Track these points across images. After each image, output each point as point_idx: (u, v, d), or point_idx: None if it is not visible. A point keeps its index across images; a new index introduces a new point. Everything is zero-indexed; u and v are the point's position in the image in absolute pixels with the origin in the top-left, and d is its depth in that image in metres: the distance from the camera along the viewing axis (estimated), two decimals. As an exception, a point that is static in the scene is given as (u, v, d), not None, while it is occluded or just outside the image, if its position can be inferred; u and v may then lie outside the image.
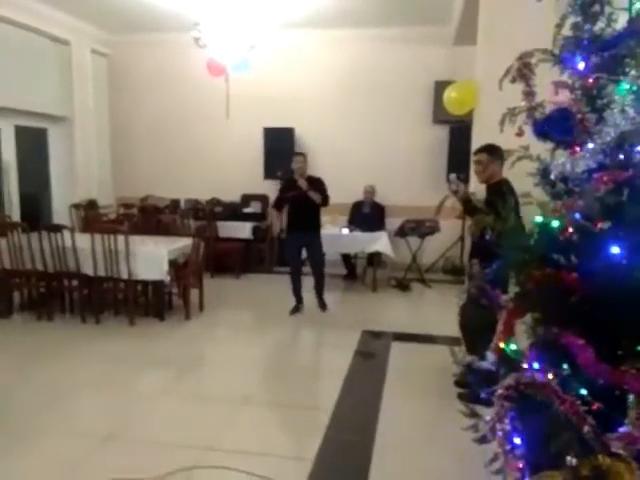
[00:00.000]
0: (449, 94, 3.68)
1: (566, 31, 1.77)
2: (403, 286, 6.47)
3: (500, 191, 3.26)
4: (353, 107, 7.45)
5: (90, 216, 6.80)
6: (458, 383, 3.55)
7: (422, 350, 4.46)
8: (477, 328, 3.14)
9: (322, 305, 5.47)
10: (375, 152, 7.43)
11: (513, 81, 1.81)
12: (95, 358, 4.15)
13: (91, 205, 7.38)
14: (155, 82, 7.96)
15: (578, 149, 1.63)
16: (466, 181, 4.91)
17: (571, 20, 1.75)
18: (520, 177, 1.85)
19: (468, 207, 3.57)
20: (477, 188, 3.60)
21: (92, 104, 7.75)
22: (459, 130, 6.81)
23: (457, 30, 6.20)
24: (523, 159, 1.73)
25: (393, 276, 6.69)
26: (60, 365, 3.98)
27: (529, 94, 1.76)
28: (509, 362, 1.60)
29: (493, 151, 3.41)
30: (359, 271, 7.02)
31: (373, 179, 7.11)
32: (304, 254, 5.43)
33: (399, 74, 7.29)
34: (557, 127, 1.58)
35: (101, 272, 4.86)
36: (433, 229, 6.54)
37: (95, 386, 3.69)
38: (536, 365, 1.52)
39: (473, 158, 3.63)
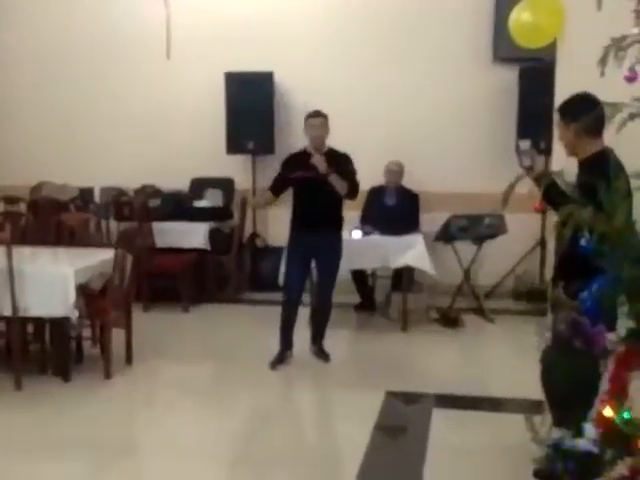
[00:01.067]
0: (519, 16, 3.69)
1: None
2: (450, 320, 6.48)
3: (600, 169, 3.27)
4: (363, 42, 7.49)
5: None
6: (539, 474, 3.56)
7: (481, 421, 4.47)
8: (569, 386, 3.16)
9: (322, 353, 5.48)
10: (401, 112, 7.46)
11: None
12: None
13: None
14: (50, 7, 7.97)
15: None
16: (548, 153, 4.96)
17: None
18: (633, 147, 1.85)
19: (551, 194, 3.58)
20: (567, 164, 3.60)
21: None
22: (535, 73, 6.83)
23: None
24: (637, 118, 1.74)
25: (434, 305, 6.69)
26: None
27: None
28: (620, 439, 1.60)
29: (571, 110, 3.42)
30: (379, 298, 7.03)
31: (399, 154, 7.11)
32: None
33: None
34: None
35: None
36: (497, 229, 6.55)
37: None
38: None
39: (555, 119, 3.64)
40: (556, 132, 3.92)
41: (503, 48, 7.08)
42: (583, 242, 1.72)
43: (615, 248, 1.76)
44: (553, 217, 6.72)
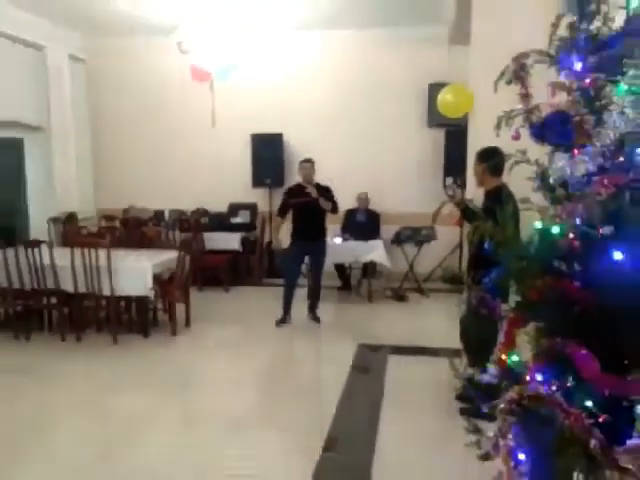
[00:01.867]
0: (443, 97, 3.72)
1: (562, 31, 1.79)
2: (400, 296, 6.49)
3: (498, 197, 3.29)
4: (344, 111, 7.49)
5: (69, 230, 6.76)
6: (460, 397, 3.56)
7: (421, 363, 4.47)
8: (478, 340, 3.16)
9: (315, 317, 5.48)
10: (368, 157, 7.46)
11: (509, 83, 1.83)
12: (77, 380, 4.11)
13: (70, 218, 7.34)
14: (137, 88, 7.97)
15: (577, 152, 1.65)
16: (463, 186, 4.95)
17: (567, 20, 1.78)
18: (519, 182, 1.87)
19: (466, 213, 3.60)
20: (476, 194, 3.62)
21: (70, 112, 7.74)
22: (455, 134, 6.86)
23: (452, 29, 6.27)
24: (521, 163, 1.75)
25: (389, 286, 6.70)
26: (39, 388, 3.93)
27: (525, 96, 1.78)
28: (511, 374, 1.61)
29: (482, 156, 3.44)
30: (353, 282, 7.02)
31: (367, 185, 7.13)
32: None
33: (392, 77, 7.34)
34: (555, 130, 1.60)
35: (82, 288, 4.83)
36: (430, 237, 6.56)
37: (78, 411, 3.64)
38: (539, 377, 1.52)
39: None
40: (470, 171, 3.95)
41: (435, 117, 7.08)
42: (486, 245, 1.72)
43: (506, 249, 1.76)
44: (467, 228, 6.74)
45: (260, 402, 3.84)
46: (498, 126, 1.71)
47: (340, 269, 6.84)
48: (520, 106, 1.79)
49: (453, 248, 7.12)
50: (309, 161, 5.34)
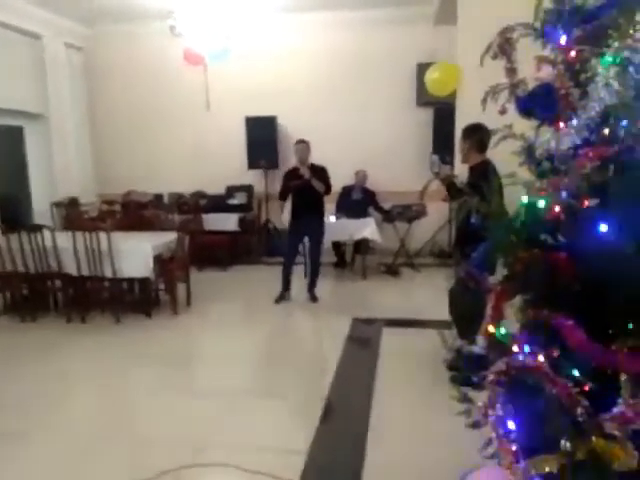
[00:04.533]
0: (430, 75, 3.62)
1: (547, 4, 1.72)
2: (393, 272, 6.46)
3: (482, 173, 3.23)
4: (335, 92, 7.36)
5: (72, 214, 6.68)
6: (450, 366, 3.55)
7: (413, 335, 4.46)
8: (467, 312, 3.14)
9: (313, 297, 5.43)
10: (360, 137, 7.36)
11: (495, 57, 1.76)
12: (83, 357, 4.09)
13: (72, 203, 7.26)
14: (133, 74, 7.82)
15: (562, 125, 1.59)
16: (451, 163, 4.88)
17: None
18: (505, 157, 1.81)
19: (451, 190, 3.54)
20: (463, 170, 3.56)
21: (69, 99, 7.59)
22: (443, 112, 6.75)
23: (438, 9, 6.13)
24: (507, 138, 1.69)
25: (382, 262, 6.66)
26: (48, 366, 3.91)
27: (511, 70, 1.71)
28: (499, 346, 1.57)
29: (467, 132, 3.37)
30: (347, 258, 6.97)
31: (359, 165, 7.03)
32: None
33: (381, 58, 7.21)
34: (540, 103, 1.54)
35: (85, 271, 4.77)
36: (420, 213, 6.51)
37: (86, 386, 3.65)
38: (527, 348, 1.49)
39: None
40: (457, 147, 3.88)
41: (423, 96, 7.01)
42: (473, 220, 1.67)
43: (492, 223, 1.71)
44: (454, 204, 6.71)
45: (261, 374, 3.85)
46: (484, 101, 1.64)
47: (336, 246, 6.79)
48: (506, 81, 1.72)
49: (443, 224, 7.07)
50: (303, 142, 5.23)
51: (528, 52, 1.83)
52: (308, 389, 3.50)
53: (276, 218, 7.64)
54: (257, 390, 3.52)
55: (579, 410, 1.32)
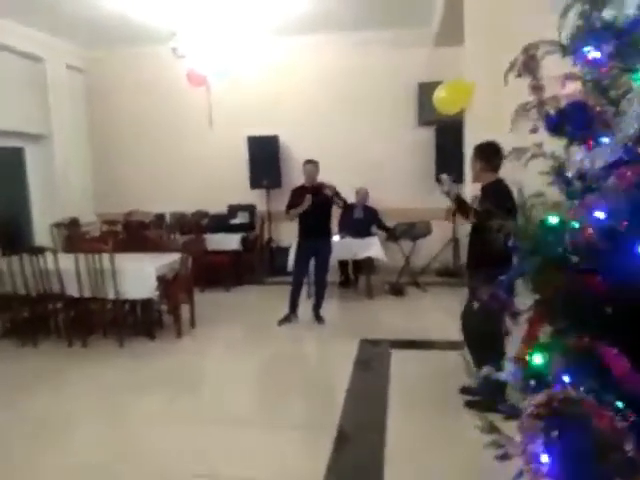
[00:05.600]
0: (439, 94, 3.57)
1: (571, 21, 1.67)
2: (397, 291, 6.36)
3: (493, 193, 3.16)
4: (337, 112, 7.33)
5: (73, 235, 6.59)
6: (464, 390, 3.45)
7: (422, 357, 4.36)
8: (484, 337, 3.05)
9: (319, 317, 5.32)
10: (361, 156, 7.31)
11: (519, 75, 1.71)
12: (85, 384, 3.96)
13: (73, 223, 7.18)
14: (135, 95, 7.80)
15: (593, 144, 1.53)
16: (459, 181, 4.84)
17: (576, 8, 1.66)
18: (531, 176, 1.74)
19: (461, 208, 3.47)
20: (474, 189, 3.50)
21: (70, 121, 7.56)
22: (445, 131, 6.76)
23: (438, 31, 6.15)
24: (537, 157, 1.63)
25: (387, 281, 6.56)
26: (49, 394, 3.78)
27: (537, 88, 1.66)
28: (535, 375, 1.48)
29: (478, 150, 3.29)
30: (352, 277, 6.88)
31: (360, 183, 6.97)
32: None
33: (382, 77, 7.21)
34: (573, 121, 1.48)
35: (87, 293, 4.68)
36: (425, 231, 6.44)
37: (88, 415, 3.52)
38: (566, 378, 1.40)
39: None
40: (466, 166, 3.81)
41: (425, 115, 7.03)
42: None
43: (523, 245, 1.65)
44: (464, 223, 6.66)
45: (269, 401, 3.73)
46: (514, 120, 1.58)
47: (342, 265, 6.70)
48: (532, 98, 1.67)
49: (447, 242, 7.01)
50: (312, 162, 5.19)
51: (548, 70, 1.78)
52: (318, 417, 3.38)
53: (279, 237, 7.60)
54: (265, 419, 3.39)
55: (629, 445, 1.23)
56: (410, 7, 6.13)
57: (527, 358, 1.51)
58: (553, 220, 1.62)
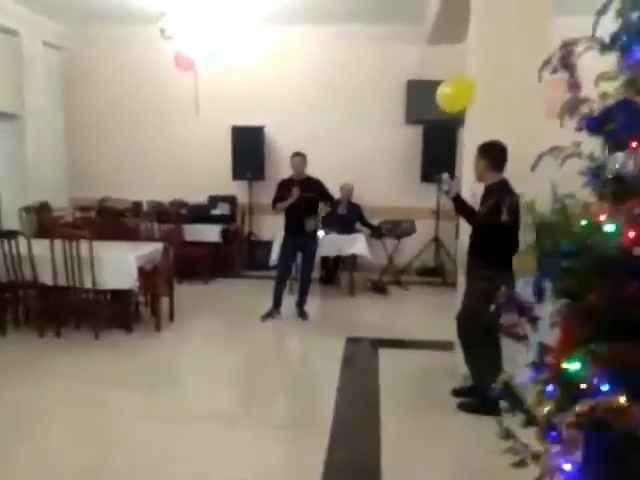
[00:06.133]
0: (442, 89, 3.51)
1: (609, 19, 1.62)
2: (380, 289, 6.32)
3: (497, 193, 3.12)
4: (324, 104, 7.20)
5: (45, 220, 6.29)
6: (456, 393, 3.42)
7: (409, 356, 4.34)
8: (480, 337, 3.01)
9: (303, 314, 5.22)
10: (347, 152, 7.21)
11: (555, 71, 1.65)
12: (58, 377, 3.76)
13: (43, 208, 6.85)
14: (118, 77, 7.51)
15: (635, 145, 1.48)
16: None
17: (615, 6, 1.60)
18: (563, 177, 1.68)
19: (459, 206, 3.44)
20: (473, 188, 3.45)
21: (45, 100, 7.22)
22: (433, 129, 6.74)
23: (432, 29, 6.09)
24: (573, 157, 1.57)
25: (369, 279, 6.51)
26: (19, 387, 3.56)
27: (575, 85, 1.60)
28: (569, 384, 1.43)
29: (482, 150, 3.24)
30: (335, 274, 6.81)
31: (345, 179, 6.87)
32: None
33: (372, 72, 7.13)
34: (620, 120, 1.43)
35: (62, 281, 4.45)
36: (410, 230, 6.41)
37: (62, 411, 3.33)
38: (605, 387, 1.35)
39: None
40: (466, 165, 3.75)
41: (412, 114, 7.02)
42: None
43: (552, 247, 1.58)
44: (444, 223, 6.66)
45: (254, 398, 3.63)
46: (562, 115, 1.52)
47: (324, 261, 6.62)
48: (569, 95, 1.61)
49: (429, 241, 7.01)
50: (300, 154, 5.06)
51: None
52: (309, 416, 3.30)
53: (259, 230, 7.46)
54: (252, 417, 3.29)
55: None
56: (403, 2, 6.07)
57: (561, 365, 1.45)
58: (604, 222, 1.55)
